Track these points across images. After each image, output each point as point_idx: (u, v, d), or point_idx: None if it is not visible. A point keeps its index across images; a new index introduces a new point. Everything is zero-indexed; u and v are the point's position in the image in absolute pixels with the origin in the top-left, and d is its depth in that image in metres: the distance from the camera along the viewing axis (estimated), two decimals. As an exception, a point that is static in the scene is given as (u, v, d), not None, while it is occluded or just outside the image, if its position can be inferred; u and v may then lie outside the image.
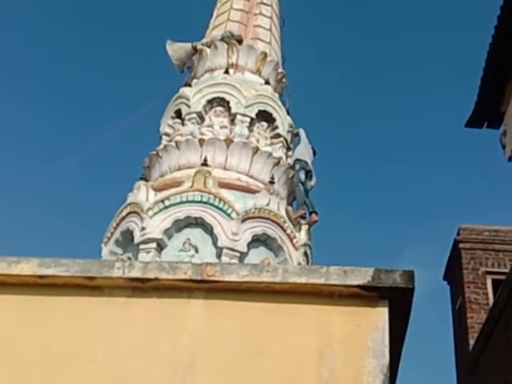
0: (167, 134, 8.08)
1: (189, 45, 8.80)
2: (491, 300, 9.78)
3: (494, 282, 10.20)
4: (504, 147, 6.51)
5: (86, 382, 3.83)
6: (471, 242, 10.74)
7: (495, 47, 6.06)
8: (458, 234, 10.90)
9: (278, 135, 8.06)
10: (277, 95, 8.46)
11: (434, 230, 25.54)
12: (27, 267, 4.11)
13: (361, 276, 3.96)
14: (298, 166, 7.79)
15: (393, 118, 27.57)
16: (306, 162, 7.87)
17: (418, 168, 27.46)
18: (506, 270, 9.09)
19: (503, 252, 10.54)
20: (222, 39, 8.57)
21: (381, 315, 3.91)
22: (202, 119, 7.91)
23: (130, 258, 6.61)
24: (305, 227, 7.48)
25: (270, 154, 7.69)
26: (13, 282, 4.13)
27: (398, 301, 3.94)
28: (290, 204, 7.85)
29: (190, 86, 8.27)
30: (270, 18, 9.23)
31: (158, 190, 7.17)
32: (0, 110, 24.92)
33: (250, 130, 7.87)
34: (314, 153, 8.21)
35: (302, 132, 8.33)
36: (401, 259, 25.71)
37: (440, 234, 25.28)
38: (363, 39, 28.07)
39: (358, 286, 3.93)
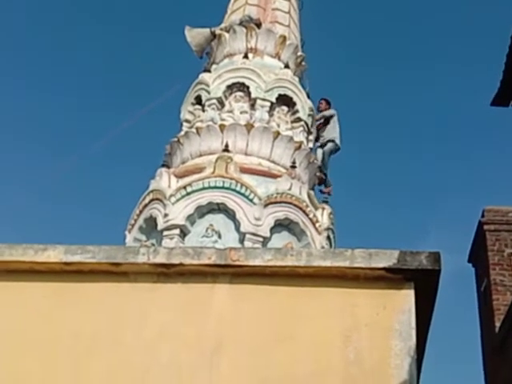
0: (188, 121, 8.07)
1: (207, 30, 8.74)
2: (517, 281, 9.68)
3: (519, 263, 10.08)
4: (530, 126, 6.40)
5: (114, 365, 3.89)
6: (496, 223, 10.59)
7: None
8: (483, 216, 10.75)
9: (299, 119, 8.00)
10: (297, 79, 8.38)
11: (458, 213, 25.25)
12: (53, 254, 4.16)
13: (386, 258, 3.94)
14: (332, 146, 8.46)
15: (415, 97, 27.14)
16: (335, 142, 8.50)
17: (442, 148, 27.06)
18: (532, 251, 8.98)
19: (529, 233, 10.40)
20: (241, 23, 8.49)
21: (407, 297, 3.90)
22: (222, 105, 7.88)
23: (153, 245, 6.64)
24: (327, 211, 7.46)
25: (291, 139, 7.65)
26: (40, 269, 4.19)
27: (424, 283, 3.92)
28: (311, 188, 7.82)
29: (209, 71, 8.23)
30: (289, 0, 9.14)
31: (179, 176, 7.18)
32: (21, 103, 25.12)
33: (271, 115, 7.82)
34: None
35: (335, 115, 8.66)
36: (424, 242, 25.51)
37: (464, 217, 24.97)
38: (384, 18, 27.63)
39: (384, 269, 3.92)
